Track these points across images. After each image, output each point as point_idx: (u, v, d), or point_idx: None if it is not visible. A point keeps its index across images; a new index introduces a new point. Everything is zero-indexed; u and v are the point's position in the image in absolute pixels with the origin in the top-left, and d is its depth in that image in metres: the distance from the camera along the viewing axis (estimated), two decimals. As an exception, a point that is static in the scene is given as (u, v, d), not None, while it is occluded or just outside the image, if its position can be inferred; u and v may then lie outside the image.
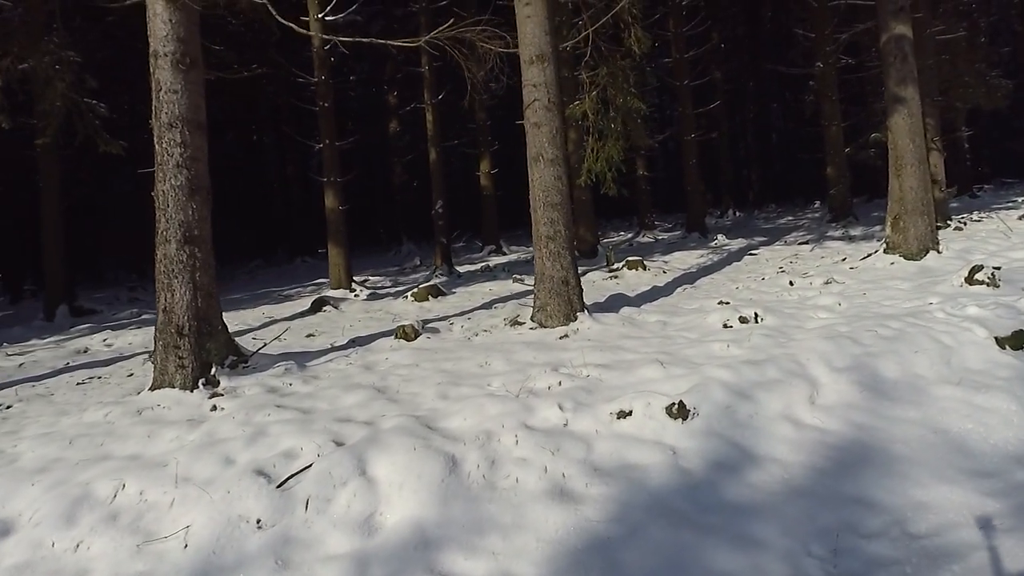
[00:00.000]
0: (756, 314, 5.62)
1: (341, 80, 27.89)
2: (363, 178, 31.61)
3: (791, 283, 7.56)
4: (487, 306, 8.33)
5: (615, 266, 10.10)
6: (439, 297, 9.61)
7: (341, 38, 5.95)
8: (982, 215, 12.32)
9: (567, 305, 6.08)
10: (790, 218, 19.73)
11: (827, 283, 7.27)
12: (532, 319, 6.26)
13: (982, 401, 3.99)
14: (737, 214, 22.98)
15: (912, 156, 7.70)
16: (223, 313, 5.87)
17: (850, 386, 4.15)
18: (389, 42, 5.54)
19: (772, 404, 3.96)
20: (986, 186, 25.07)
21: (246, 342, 7.03)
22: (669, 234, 17.18)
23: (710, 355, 4.80)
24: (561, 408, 4.04)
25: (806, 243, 11.57)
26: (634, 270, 9.74)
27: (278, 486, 3.46)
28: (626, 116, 8.62)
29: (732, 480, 3.37)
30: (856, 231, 12.44)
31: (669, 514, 3.14)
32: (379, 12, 22.21)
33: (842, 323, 5.27)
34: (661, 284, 8.76)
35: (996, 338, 4.73)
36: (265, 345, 6.48)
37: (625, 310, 6.74)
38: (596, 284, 9.39)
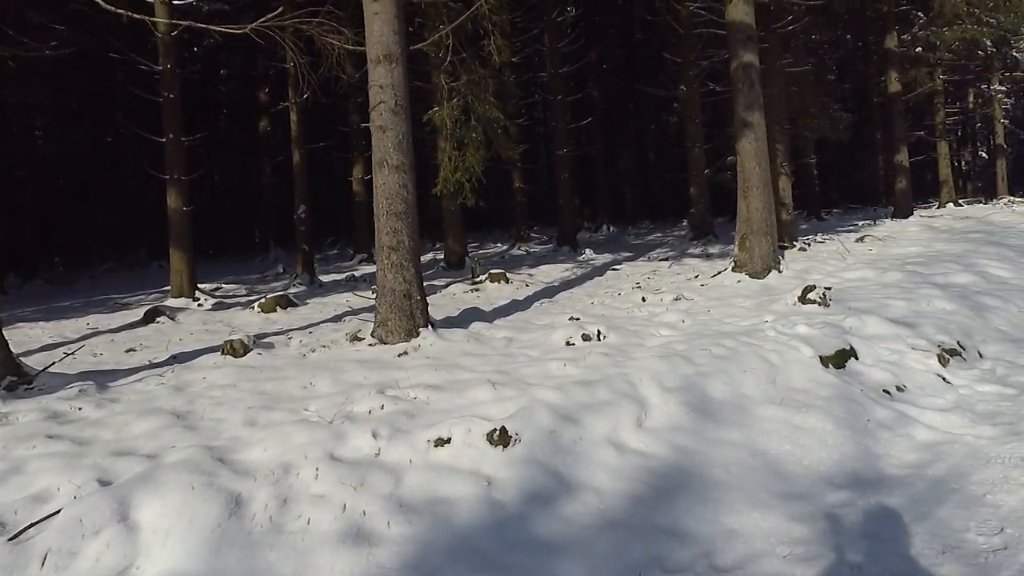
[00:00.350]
0: (599, 331, 5.53)
1: (209, 73, 26.23)
2: (233, 179, 29.80)
3: (644, 299, 7.64)
4: (337, 319, 7.83)
5: (479, 279, 9.89)
6: (289, 308, 8.97)
7: (163, 20, 5.30)
8: (825, 237, 13.24)
9: (409, 320, 5.74)
10: (659, 235, 20.48)
11: (676, 300, 7.38)
12: (372, 335, 5.87)
13: (801, 421, 4.03)
14: (611, 229, 23.60)
15: (758, 179, 8.06)
16: (10, 326, 5.04)
17: (679, 407, 4.08)
18: (210, 27, 5.00)
19: (598, 428, 3.80)
20: (834, 210, 27.36)
21: (55, 357, 6.17)
22: (543, 247, 17.27)
23: (546, 375, 4.61)
24: (375, 436, 3.69)
25: (667, 260, 11.91)
26: (496, 283, 9.57)
27: (11, 538, 2.87)
28: (487, 126, 8.46)
29: (545, 513, 3.15)
30: (714, 249, 12.99)
31: (472, 555, 2.87)
32: (256, 3, 21.00)
33: (681, 341, 5.28)
34: (521, 298, 8.62)
35: (821, 357, 4.88)
36: (58, 362, 5.65)
37: (476, 325, 6.50)
38: (456, 297, 9.12)
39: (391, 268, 5.75)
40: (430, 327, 5.86)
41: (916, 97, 20.36)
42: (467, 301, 8.68)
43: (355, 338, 6.01)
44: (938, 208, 23.41)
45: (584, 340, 5.46)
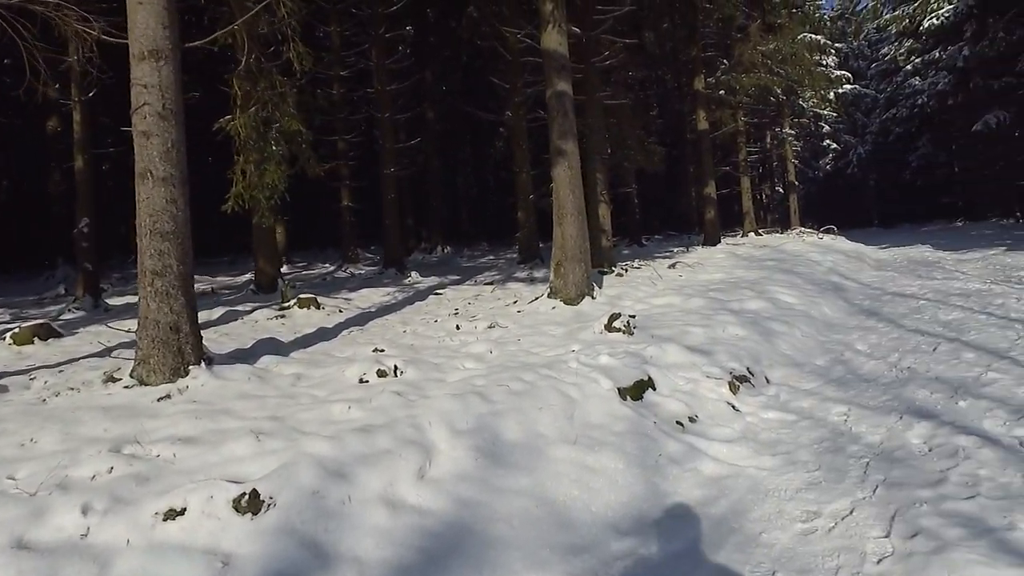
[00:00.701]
0: (396, 367, 5.10)
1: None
2: (22, 184, 25.85)
3: (458, 327, 7.34)
4: (104, 354, 6.70)
5: (287, 304, 9.08)
6: (50, 339, 7.60)
7: None
8: (642, 263, 13.86)
9: (176, 357, 4.94)
10: (491, 257, 20.57)
11: (491, 327, 7.16)
12: (132, 374, 4.98)
13: (593, 461, 3.85)
14: (446, 251, 23.39)
15: (572, 206, 8.12)
16: None
17: (467, 453, 3.74)
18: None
19: (373, 483, 3.35)
20: (656, 236, 29.30)
21: None
22: (371, 269, 16.58)
23: (326, 420, 4.09)
24: (86, 511, 2.96)
25: (492, 284, 11.79)
26: (306, 309, 8.83)
27: None
28: (291, 140, 7.80)
29: (288, 600, 2.64)
30: (539, 273, 13.11)
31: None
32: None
33: (484, 375, 4.98)
34: (330, 326, 7.97)
35: (619, 389, 4.79)
36: None
37: (265, 360, 5.79)
38: (257, 325, 8.26)
39: (155, 296, 4.92)
40: (203, 364, 5.09)
41: (722, 135, 22.32)
42: (268, 330, 7.87)
43: (111, 379, 5.08)
44: (742, 236, 25.80)
45: (379, 376, 4.99)
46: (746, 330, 6.78)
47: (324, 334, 7.44)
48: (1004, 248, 16.53)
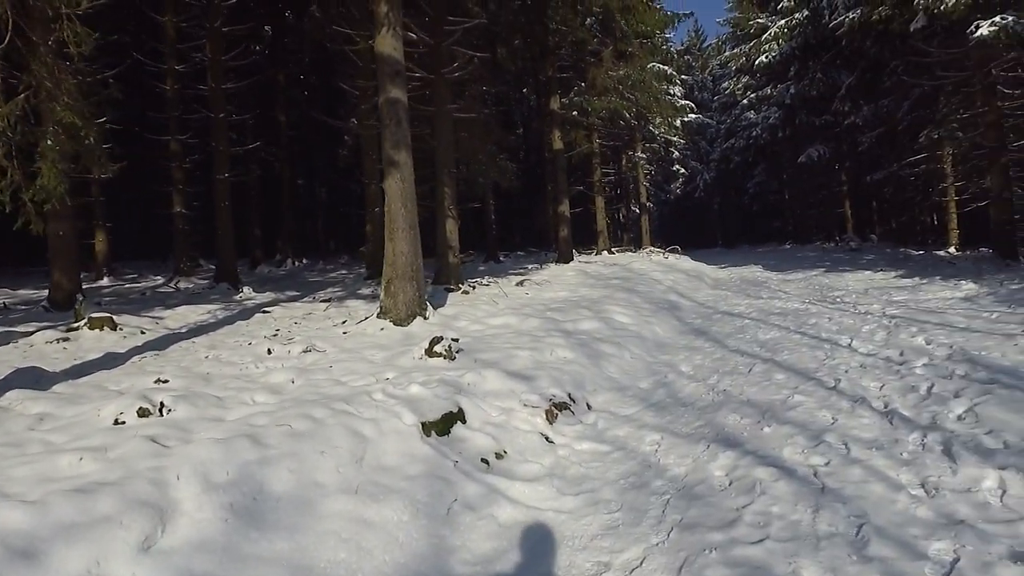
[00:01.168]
0: (163, 404, 4.33)
1: None
2: None
3: (270, 351, 6.59)
4: None
5: (76, 325, 7.84)
6: None
7: None
8: (492, 280, 13.65)
9: None
10: (344, 272, 19.60)
11: (306, 352, 6.49)
12: None
13: (374, 514, 3.35)
14: (296, 264, 22.09)
15: (404, 220, 7.65)
16: None
17: (217, 512, 3.11)
18: None
19: (73, 563, 2.64)
20: (519, 252, 29.47)
21: None
22: (205, 282, 15.14)
23: (44, 476, 3.29)
24: None
25: (329, 301, 11.03)
26: (98, 330, 7.65)
27: None
28: (72, 134, 6.71)
29: None
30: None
31: None
32: None
33: (271, 411, 4.34)
34: (121, 351, 6.92)
35: (423, 424, 4.34)
36: None
37: (11, 395, 4.78)
38: (32, 350, 7.02)
39: None
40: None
41: (578, 156, 22.90)
42: (42, 356, 6.69)
43: None
44: (596, 255, 26.59)
45: (140, 416, 4.20)
46: (575, 352, 6.60)
47: (108, 361, 6.41)
48: (823, 269, 18.05)
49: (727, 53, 36.21)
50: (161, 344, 7.39)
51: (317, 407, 4.30)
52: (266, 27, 22.14)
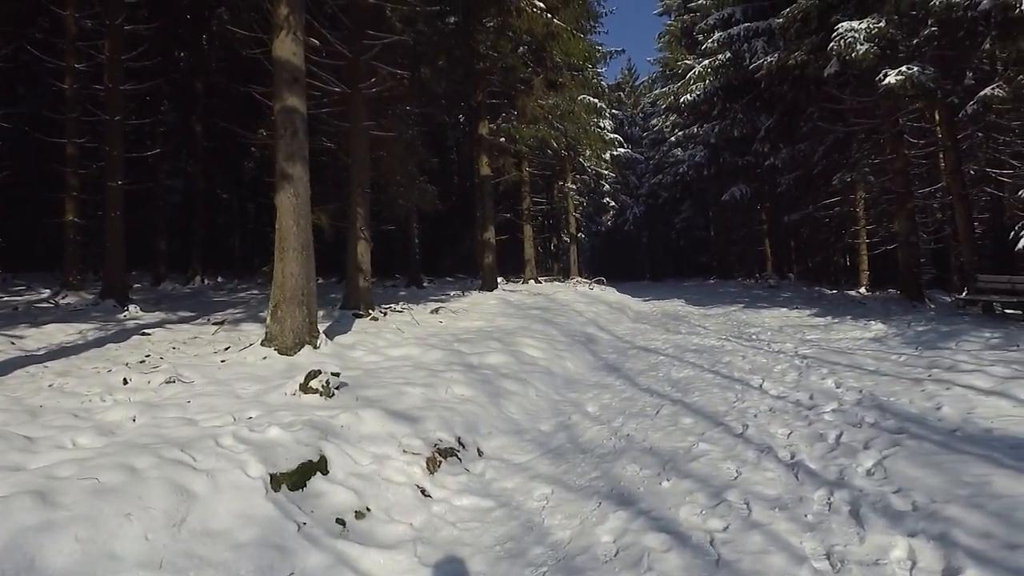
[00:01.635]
0: (-60, 450, 3.54)
1: None
2: None
3: (126, 381, 5.76)
4: None
5: (-99, 344, 6.76)
6: None
7: None
8: (408, 306, 13.02)
9: None
10: (256, 292, 18.49)
11: (168, 382, 5.70)
12: None
13: (177, 598, 2.68)
14: (206, 282, 20.76)
15: (295, 239, 6.99)
16: None
17: (-45, 604, 2.39)
18: None
19: None
20: (448, 278, 28.81)
21: None
22: (92, 298, 13.85)
23: None
24: None
25: (223, 323, 10.12)
26: (-75, 352, 6.61)
27: None
28: None
29: None
30: (321, 311, 11.59)
31: None
32: None
33: (87, 458, 3.60)
34: (-54, 376, 5.93)
35: (272, 476, 3.70)
36: None
37: None
38: None
39: None
40: None
41: (506, 183, 22.65)
42: None
43: None
44: (523, 283, 26.32)
45: (-93, 466, 3.40)
46: (474, 389, 6.08)
47: (-81, 391, 5.44)
48: (742, 305, 18.25)
49: (656, 91, 37.12)
50: (4, 368, 6.41)
51: (144, 454, 3.60)
52: (179, 31, 21.04)
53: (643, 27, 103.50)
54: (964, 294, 15.70)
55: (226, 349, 7.49)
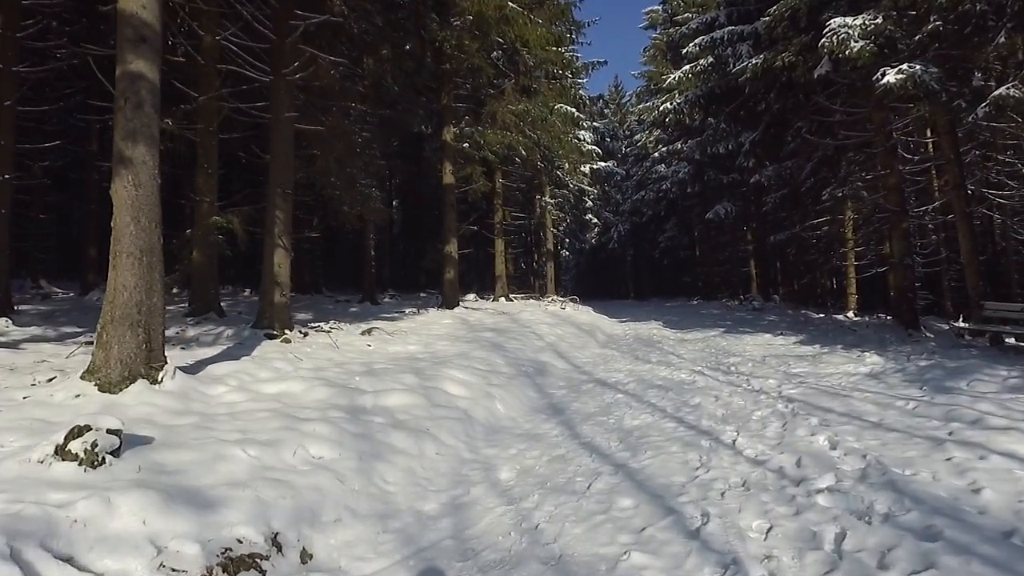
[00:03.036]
0: None
1: None
2: None
3: None
4: None
5: None
6: None
7: None
8: (337, 325, 11.38)
9: None
10: (184, 304, 16.74)
11: None
12: None
13: None
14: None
15: (133, 242, 5.36)
16: None
17: None
18: None
19: None
20: (421, 293, 27.11)
21: None
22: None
23: None
24: None
25: (90, 344, 8.41)
26: None
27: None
28: None
29: None
30: (209, 333, 9.92)
31: None
32: None
33: None
34: None
35: None
36: None
37: None
38: None
39: None
40: None
41: (475, 194, 21.07)
42: None
43: None
44: (493, 300, 24.72)
45: None
46: (341, 448, 4.45)
47: None
48: (723, 330, 16.72)
49: (640, 106, 35.90)
50: None
51: None
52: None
53: (631, 40, 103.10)
54: (962, 322, 14.29)
55: (50, 380, 5.80)
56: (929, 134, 18.15)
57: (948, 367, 8.59)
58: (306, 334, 9.88)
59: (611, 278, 59.71)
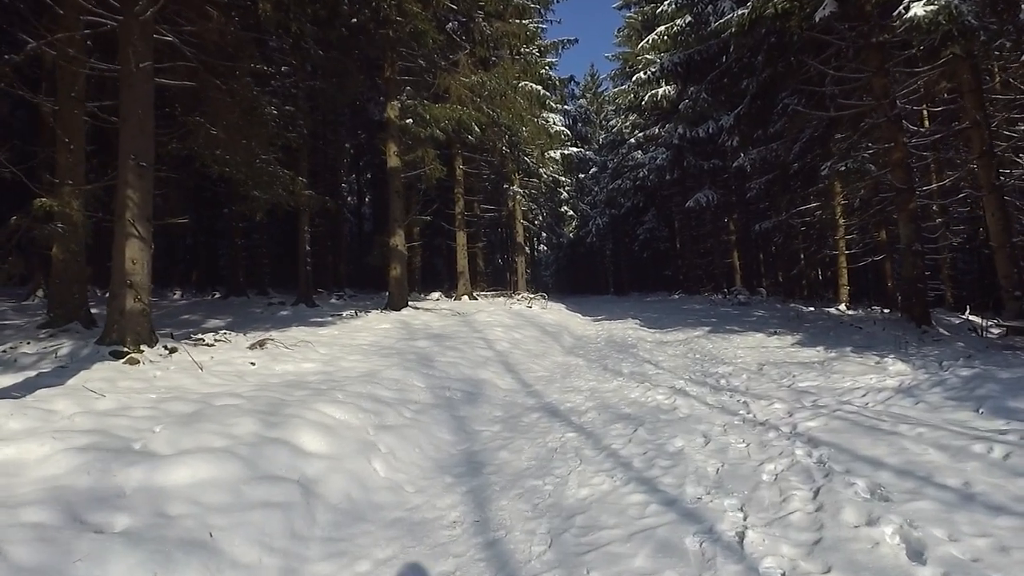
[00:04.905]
0: None
1: None
2: None
3: None
4: None
5: None
6: None
7: None
8: (230, 336, 9.04)
9: None
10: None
11: None
12: None
13: None
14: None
15: None
16: None
17: None
18: None
19: None
20: (386, 292, 24.64)
21: None
22: None
23: None
24: None
25: None
26: None
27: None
28: None
29: None
30: (47, 349, 7.53)
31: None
32: None
33: None
34: None
35: None
36: None
37: None
38: None
39: None
40: None
41: (428, 180, 18.72)
42: None
43: None
44: (455, 299, 22.44)
45: None
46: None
47: None
48: (708, 328, 14.58)
49: (614, 90, 33.75)
50: None
51: None
52: None
53: (609, 23, 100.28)
54: (989, 318, 12.31)
55: None
56: (937, 102, 16.18)
57: (1002, 379, 6.52)
58: (173, 350, 7.55)
59: (591, 273, 57.64)
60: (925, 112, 17.20)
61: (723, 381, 7.91)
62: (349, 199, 36.99)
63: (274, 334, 9.57)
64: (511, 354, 10.17)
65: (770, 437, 5.01)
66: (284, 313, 14.81)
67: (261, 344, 8.33)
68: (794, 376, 7.93)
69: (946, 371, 7.45)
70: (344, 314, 14.31)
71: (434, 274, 35.76)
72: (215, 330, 10.61)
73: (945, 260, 21.30)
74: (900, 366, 8.00)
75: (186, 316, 13.98)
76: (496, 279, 37.88)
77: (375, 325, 12.26)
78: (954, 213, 20.79)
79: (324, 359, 7.86)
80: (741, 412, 5.99)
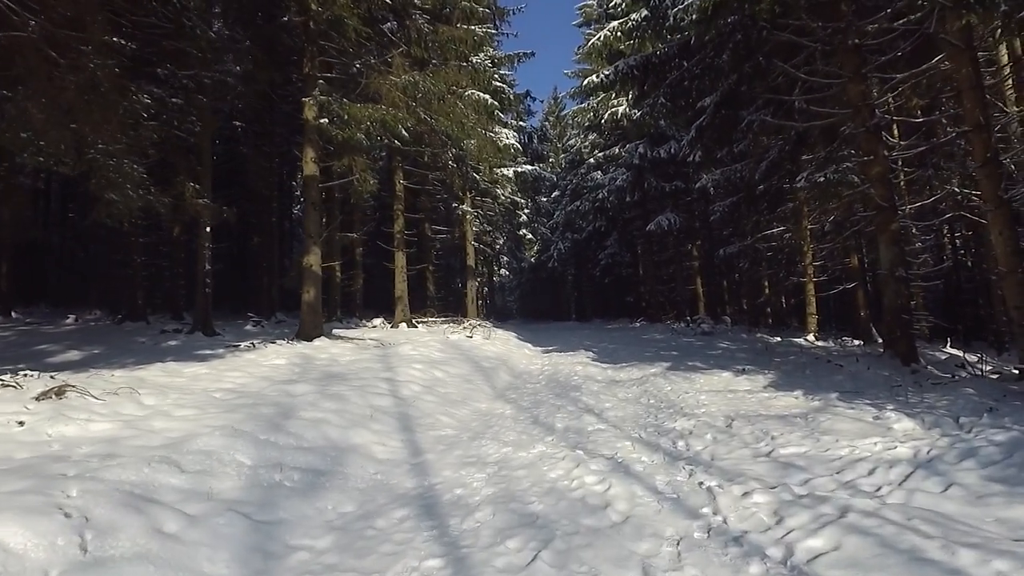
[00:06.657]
0: None
1: None
2: None
3: None
4: None
5: None
6: None
7: None
8: (24, 379, 6.76)
9: None
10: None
11: None
12: None
13: None
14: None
15: None
16: None
17: None
18: None
19: None
20: (284, 316, 22.25)
21: None
22: None
23: None
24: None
25: None
26: None
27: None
28: None
29: None
30: None
31: None
32: None
33: None
34: None
35: None
36: None
37: None
38: None
39: None
40: None
41: (357, 193, 16.59)
42: None
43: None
44: (392, 327, 20.24)
45: None
46: None
47: None
48: (668, 364, 12.61)
49: (574, 108, 32.26)
50: None
51: None
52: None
53: (571, 43, 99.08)
54: (974, 352, 10.63)
55: None
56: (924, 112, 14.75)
57: (1052, 446, 4.69)
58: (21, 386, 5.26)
59: (554, 299, 55.68)
60: (919, 116, 15.78)
61: (681, 444, 5.93)
62: (295, 213, 34.45)
63: (103, 374, 7.30)
64: (418, 401, 8.05)
65: (753, 574, 3.00)
66: (172, 343, 12.47)
67: (59, 392, 6.08)
68: (773, 438, 5.99)
69: (969, 432, 5.61)
70: (242, 345, 12.04)
71: (386, 298, 33.39)
72: (57, 367, 8.36)
73: (919, 287, 19.88)
74: (906, 423, 6.13)
75: (43, 346, 11.56)
76: (454, 305, 35.69)
77: (265, 360, 10.06)
78: (920, 236, 19.50)
79: (134, 417, 5.65)
80: (705, 511, 3.99)
